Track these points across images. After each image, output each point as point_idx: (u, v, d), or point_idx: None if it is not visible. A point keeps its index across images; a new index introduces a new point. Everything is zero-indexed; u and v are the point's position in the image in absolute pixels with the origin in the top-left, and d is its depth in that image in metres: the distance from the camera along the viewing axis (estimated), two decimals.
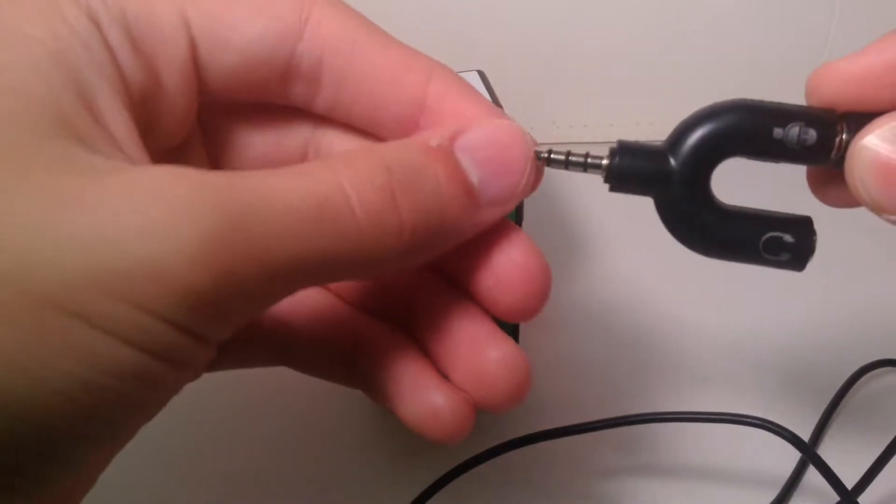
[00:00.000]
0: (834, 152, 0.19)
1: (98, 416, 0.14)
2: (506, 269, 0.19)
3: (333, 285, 0.22)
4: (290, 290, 0.16)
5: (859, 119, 0.19)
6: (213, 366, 0.22)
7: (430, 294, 0.21)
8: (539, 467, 0.31)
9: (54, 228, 0.14)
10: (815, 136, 0.19)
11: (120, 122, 0.16)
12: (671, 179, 0.19)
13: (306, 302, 0.22)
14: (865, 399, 0.33)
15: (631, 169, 0.20)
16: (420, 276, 0.21)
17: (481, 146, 0.19)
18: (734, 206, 0.20)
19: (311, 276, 0.16)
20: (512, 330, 0.35)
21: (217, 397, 0.34)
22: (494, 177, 0.19)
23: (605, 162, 0.20)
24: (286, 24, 0.19)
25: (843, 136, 0.19)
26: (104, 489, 0.20)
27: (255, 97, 0.20)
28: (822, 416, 0.32)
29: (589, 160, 0.20)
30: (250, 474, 0.31)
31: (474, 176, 0.18)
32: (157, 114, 0.18)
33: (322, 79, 0.20)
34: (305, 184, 0.16)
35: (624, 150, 0.20)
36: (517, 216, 0.32)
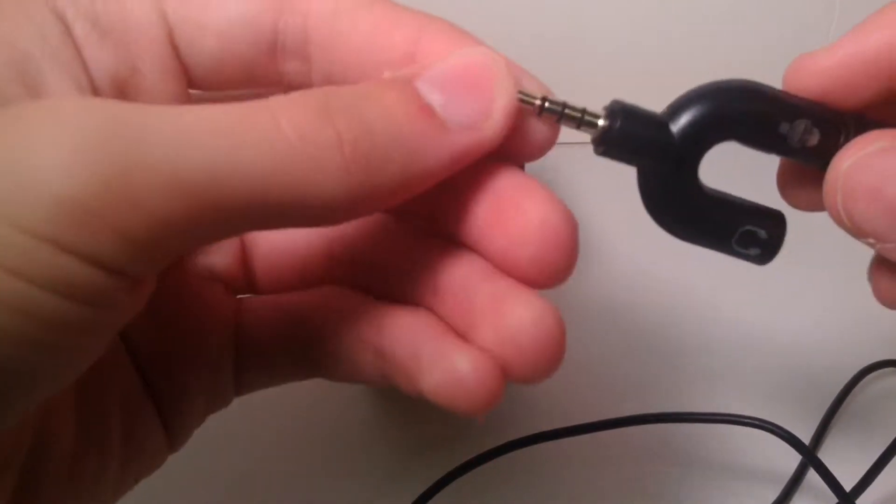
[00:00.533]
0: (832, 154, 0.19)
1: None
2: (519, 225, 0.17)
3: (339, 270, 0.21)
4: (226, 220, 0.14)
5: (865, 126, 0.19)
6: (240, 388, 0.21)
7: (438, 259, 0.19)
8: (540, 468, 0.31)
9: None
10: (818, 138, 0.19)
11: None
12: (665, 153, 0.18)
13: (323, 296, 0.20)
14: (867, 400, 0.33)
15: (628, 135, 0.18)
16: (424, 241, 0.19)
17: (444, 73, 0.17)
18: (714, 191, 0.19)
19: (245, 204, 0.14)
20: None
21: None
22: (460, 98, 0.17)
23: (601, 123, 0.18)
24: (264, 0, 0.18)
25: (842, 139, 0.19)
26: None
27: (248, 82, 0.19)
28: (824, 417, 0.32)
29: (585, 117, 0.18)
30: (250, 474, 0.31)
31: (435, 99, 0.16)
32: (138, 101, 0.18)
33: (311, 53, 0.18)
34: (225, 105, 0.15)
35: (625, 114, 0.18)
36: None
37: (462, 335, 0.18)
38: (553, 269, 0.17)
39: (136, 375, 0.20)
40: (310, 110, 0.15)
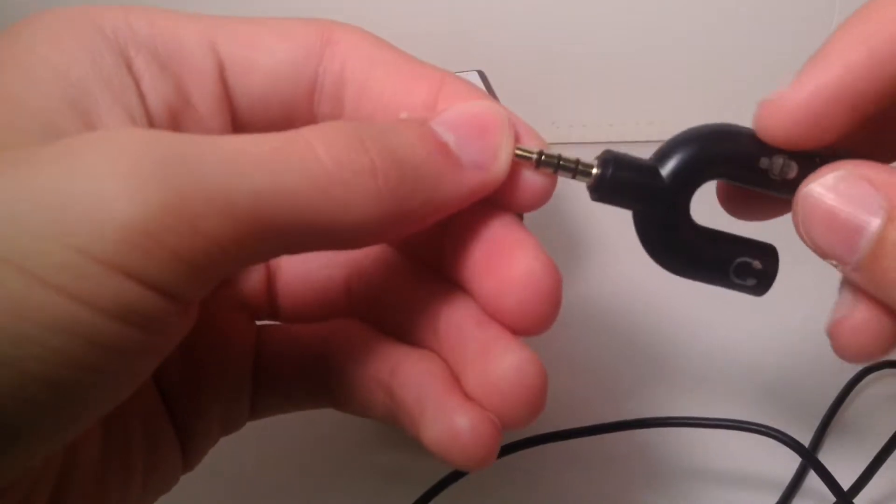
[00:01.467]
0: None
1: (37, 377, 0.13)
2: (505, 273, 0.18)
3: (355, 304, 0.22)
4: (266, 242, 0.15)
5: (839, 157, 0.19)
6: (255, 413, 0.22)
7: (439, 301, 0.20)
8: (539, 471, 0.31)
9: None
10: (796, 171, 0.19)
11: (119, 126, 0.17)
12: (657, 195, 0.19)
13: (341, 331, 0.21)
14: (867, 401, 0.33)
15: (620, 181, 0.19)
16: (428, 282, 0.21)
17: (453, 118, 0.18)
18: (706, 228, 0.20)
19: (284, 226, 0.15)
20: None
21: None
22: (470, 139, 0.18)
23: (595, 171, 0.20)
24: (308, 44, 0.19)
25: None
26: None
27: (287, 123, 0.20)
28: (823, 420, 0.32)
29: (580, 167, 0.20)
30: (250, 476, 0.31)
31: (449, 139, 0.18)
32: (190, 132, 0.19)
33: (344, 97, 0.20)
34: (264, 135, 0.16)
35: (616, 162, 0.19)
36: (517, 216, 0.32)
37: (456, 378, 0.19)
38: (534, 319, 0.18)
39: (158, 398, 0.20)
40: (344, 139, 0.16)
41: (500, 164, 0.18)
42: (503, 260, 0.18)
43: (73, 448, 0.17)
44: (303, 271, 0.22)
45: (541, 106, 0.49)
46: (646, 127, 0.48)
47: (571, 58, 0.48)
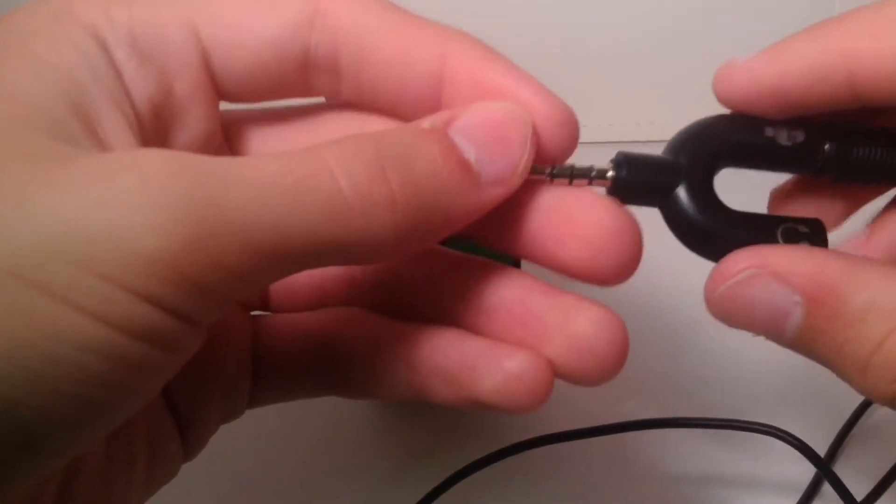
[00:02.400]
0: (819, 160, 0.20)
1: (66, 394, 0.14)
2: (586, 228, 0.18)
3: (359, 292, 0.22)
4: (281, 269, 0.16)
5: (843, 132, 0.20)
6: (254, 402, 0.22)
7: (482, 280, 0.20)
8: (546, 472, 0.31)
9: (17, 204, 0.14)
10: (803, 134, 0.19)
11: (119, 133, 0.17)
12: (677, 188, 0.19)
13: (346, 318, 0.21)
14: (886, 416, 0.33)
15: (637, 181, 0.19)
16: (458, 264, 0.21)
17: (475, 126, 0.18)
18: (740, 211, 0.20)
19: (301, 254, 0.16)
20: None
21: None
22: (492, 154, 0.18)
23: (610, 174, 0.19)
24: (296, 18, 0.19)
25: (827, 146, 0.20)
26: None
27: (277, 94, 0.20)
28: (841, 430, 0.32)
29: (594, 173, 0.19)
30: (251, 477, 0.31)
31: (471, 154, 0.18)
32: (172, 124, 0.19)
33: (341, 68, 0.19)
34: (286, 160, 0.16)
35: (629, 162, 0.19)
36: None
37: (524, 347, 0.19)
38: (620, 262, 0.19)
39: (159, 392, 0.20)
40: (365, 168, 0.16)
41: (520, 175, 0.18)
42: (576, 217, 0.19)
43: None
44: None
45: None
46: (646, 127, 0.48)
47: (572, 58, 0.48)
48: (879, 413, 0.33)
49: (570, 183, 0.19)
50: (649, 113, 0.48)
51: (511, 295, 0.20)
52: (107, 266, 0.14)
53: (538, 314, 0.19)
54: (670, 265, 0.40)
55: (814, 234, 0.19)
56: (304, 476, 0.31)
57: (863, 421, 0.32)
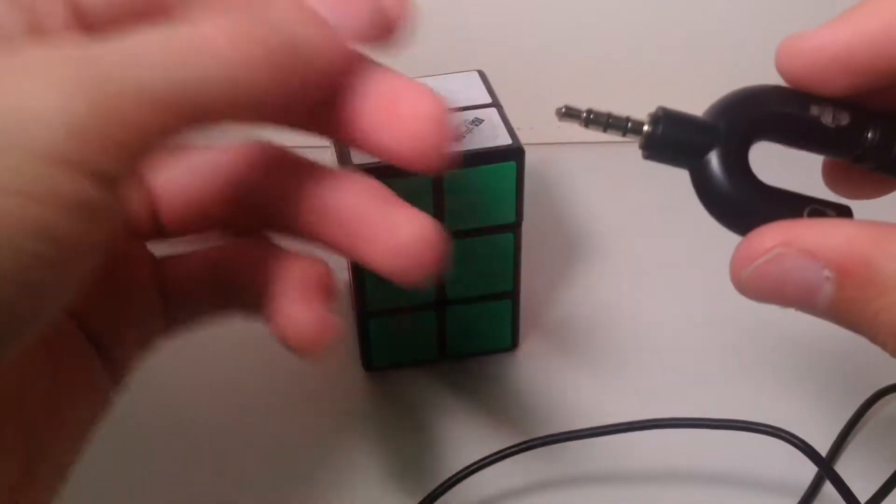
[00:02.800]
0: (860, 147, 0.19)
1: (9, 279, 0.14)
2: (397, 115, 0.20)
3: (237, 212, 0.23)
4: (181, 122, 0.17)
5: (888, 119, 0.19)
6: (169, 330, 0.23)
7: (326, 187, 0.21)
8: (545, 473, 0.31)
9: None
10: (848, 118, 0.19)
11: None
12: (710, 152, 0.19)
13: (236, 244, 0.23)
14: (889, 414, 0.33)
15: (672, 138, 0.19)
16: (309, 178, 0.21)
17: None
18: (771, 186, 0.19)
19: (195, 106, 0.17)
20: (511, 313, 0.34)
21: (217, 399, 0.34)
22: (343, 13, 0.19)
23: (646, 129, 0.19)
24: None
25: (870, 134, 0.19)
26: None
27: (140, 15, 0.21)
28: (843, 430, 0.31)
29: (630, 125, 0.19)
30: (249, 478, 0.31)
31: (328, 15, 0.19)
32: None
33: None
34: (161, 28, 0.17)
35: (668, 118, 0.19)
36: (516, 217, 0.32)
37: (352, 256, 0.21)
38: (428, 148, 0.20)
39: (75, 325, 0.21)
40: (236, 23, 0.18)
41: (368, 22, 0.20)
42: (392, 104, 0.20)
43: (25, 375, 0.19)
44: (179, 188, 0.23)
45: (541, 106, 0.48)
46: None
47: (571, 58, 0.48)
48: (882, 412, 0.33)
49: (605, 131, 0.19)
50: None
51: (349, 204, 0.21)
52: (28, 141, 0.15)
53: (366, 225, 0.20)
54: (671, 264, 0.40)
55: (840, 215, 0.19)
56: (303, 476, 0.31)
57: (865, 420, 0.32)
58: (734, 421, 0.28)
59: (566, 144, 0.48)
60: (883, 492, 0.27)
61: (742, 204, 0.19)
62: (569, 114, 0.19)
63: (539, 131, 0.48)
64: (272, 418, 0.33)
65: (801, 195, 0.19)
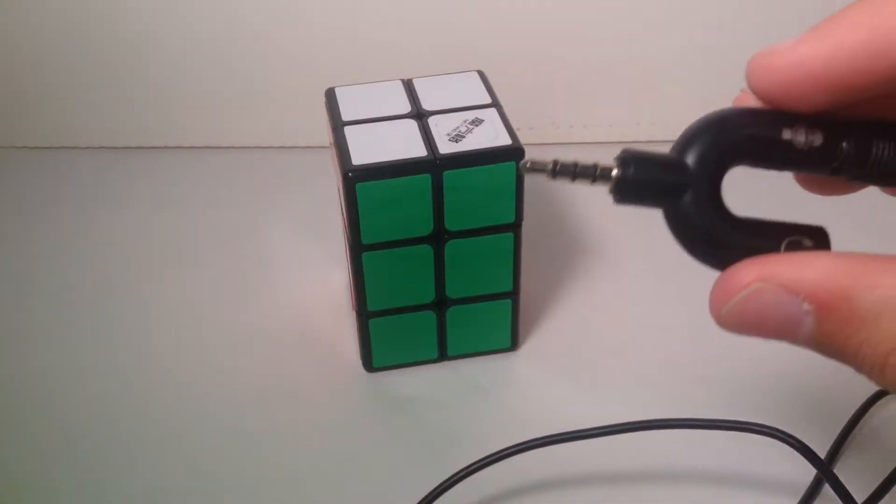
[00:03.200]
0: (836, 161, 0.19)
1: None
2: None
3: None
4: None
5: (863, 129, 0.19)
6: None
7: None
8: (545, 473, 0.31)
9: None
10: (821, 138, 0.19)
11: None
12: (683, 189, 0.19)
13: None
14: (887, 416, 0.33)
15: (643, 180, 0.19)
16: None
17: None
18: (746, 217, 0.19)
19: None
20: (511, 313, 0.34)
21: (216, 399, 0.34)
22: None
23: (615, 173, 0.19)
24: None
25: (845, 145, 0.19)
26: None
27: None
28: (842, 431, 0.31)
29: (598, 172, 0.19)
30: (247, 478, 0.31)
31: None
32: None
33: None
34: None
35: (636, 160, 0.19)
36: (516, 217, 0.32)
37: None
38: None
39: None
40: None
41: None
42: None
43: None
44: None
45: (541, 106, 0.48)
46: (647, 127, 0.48)
47: (571, 58, 0.48)
48: (881, 414, 0.33)
49: (573, 181, 0.19)
50: (649, 113, 0.48)
51: None
52: None
53: None
54: (671, 264, 0.40)
55: (818, 245, 0.19)
56: (303, 476, 0.31)
57: (864, 422, 0.32)
58: (732, 422, 0.28)
59: (566, 144, 0.48)
60: (879, 493, 0.27)
61: (718, 240, 0.19)
62: (534, 168, 0.18)
63: (539, 132, 0.48)
64: (272, 418, 0.33)
65: (776, 223, 0.19)
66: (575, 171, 0.19)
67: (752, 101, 0.20)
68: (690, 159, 0.19)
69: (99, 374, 0.35)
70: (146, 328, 0.37)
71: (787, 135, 0.19)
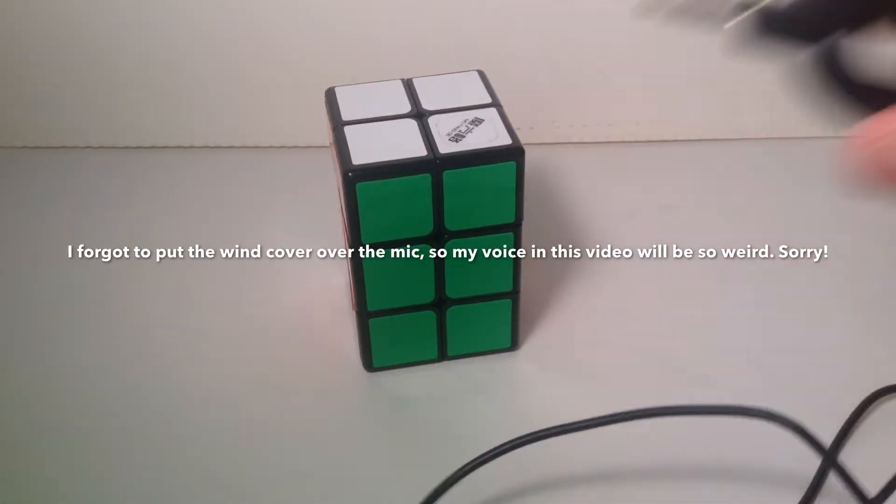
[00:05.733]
0: None
1: None
2: None
3: None
4: None
5: None
6: None
7: None
8: (543, 466, 0.31)
9: None
10: None
11: None
12: (836, 32, 0.19)
13: None
14: (890, 412, 0.33)
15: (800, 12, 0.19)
16: None
17: None
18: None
19: None
20: (511, 313, 0.35)
21: (216, 399, 0.34)
22: None
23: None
24: None
25: None
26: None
27: None
28: (847, 420, 0.31)
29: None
30: (247, 478, 0.31)
31: None
32: None
33: None
34: None
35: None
36: (516, 217, 0.32)
37: None
38: None
39: None
40: None
41: None
42: None
43: None
44: None
45: (541, 106, 0.48)
46: (646, 127, 0.48)
47: (571, 57, 0.48)
48: (888, 404, 0.33)
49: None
50: (649, 113, 0.48)
51: None
52: None
53: None
54: (670, 264, 0.40)
55: None
56: (303, 476, 0.31)
57: (870, 412, 0.32)
58: (729, 406, 0.28)
59: (566, 144, 0.48)
60: (892, 486, 0.27)
61: (872, 86, 0.19)
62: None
63: (539, 132, 0.48)
64: (272, 418, 0.33)
65: None
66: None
67: None
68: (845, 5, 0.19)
69: (99, 374, 0.35)
70: (146, 328, 0.37)
71: None
